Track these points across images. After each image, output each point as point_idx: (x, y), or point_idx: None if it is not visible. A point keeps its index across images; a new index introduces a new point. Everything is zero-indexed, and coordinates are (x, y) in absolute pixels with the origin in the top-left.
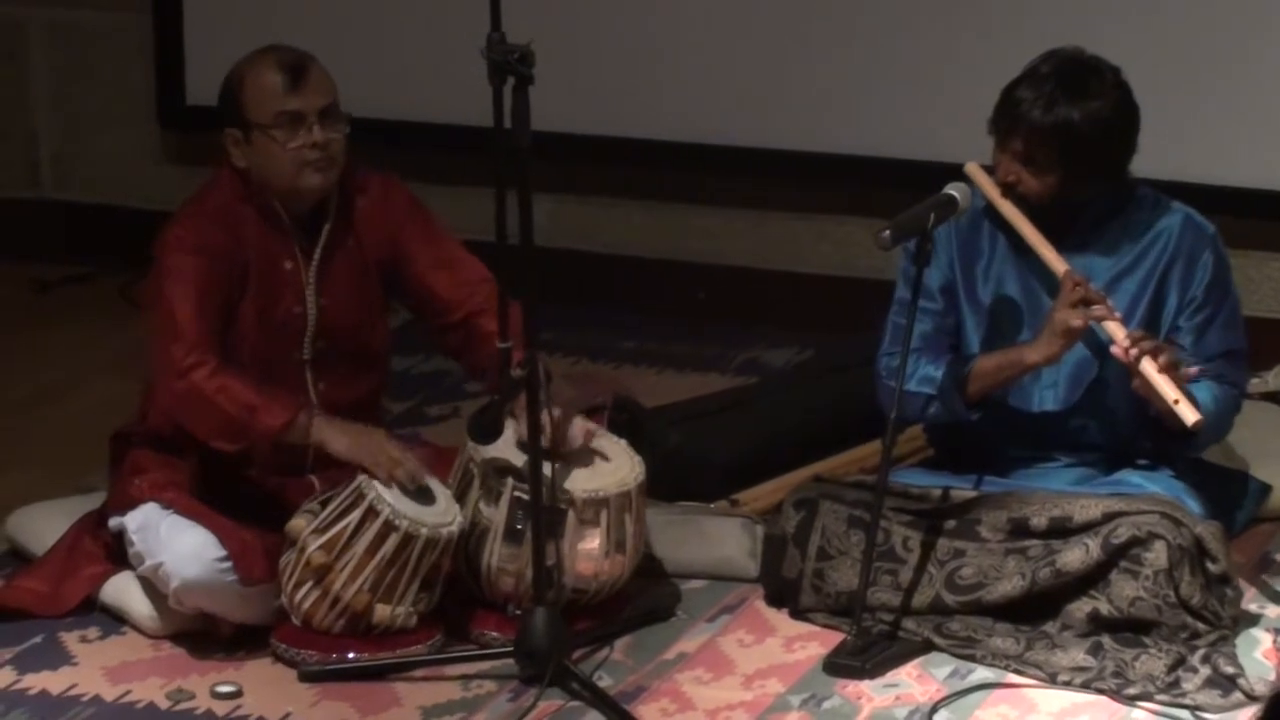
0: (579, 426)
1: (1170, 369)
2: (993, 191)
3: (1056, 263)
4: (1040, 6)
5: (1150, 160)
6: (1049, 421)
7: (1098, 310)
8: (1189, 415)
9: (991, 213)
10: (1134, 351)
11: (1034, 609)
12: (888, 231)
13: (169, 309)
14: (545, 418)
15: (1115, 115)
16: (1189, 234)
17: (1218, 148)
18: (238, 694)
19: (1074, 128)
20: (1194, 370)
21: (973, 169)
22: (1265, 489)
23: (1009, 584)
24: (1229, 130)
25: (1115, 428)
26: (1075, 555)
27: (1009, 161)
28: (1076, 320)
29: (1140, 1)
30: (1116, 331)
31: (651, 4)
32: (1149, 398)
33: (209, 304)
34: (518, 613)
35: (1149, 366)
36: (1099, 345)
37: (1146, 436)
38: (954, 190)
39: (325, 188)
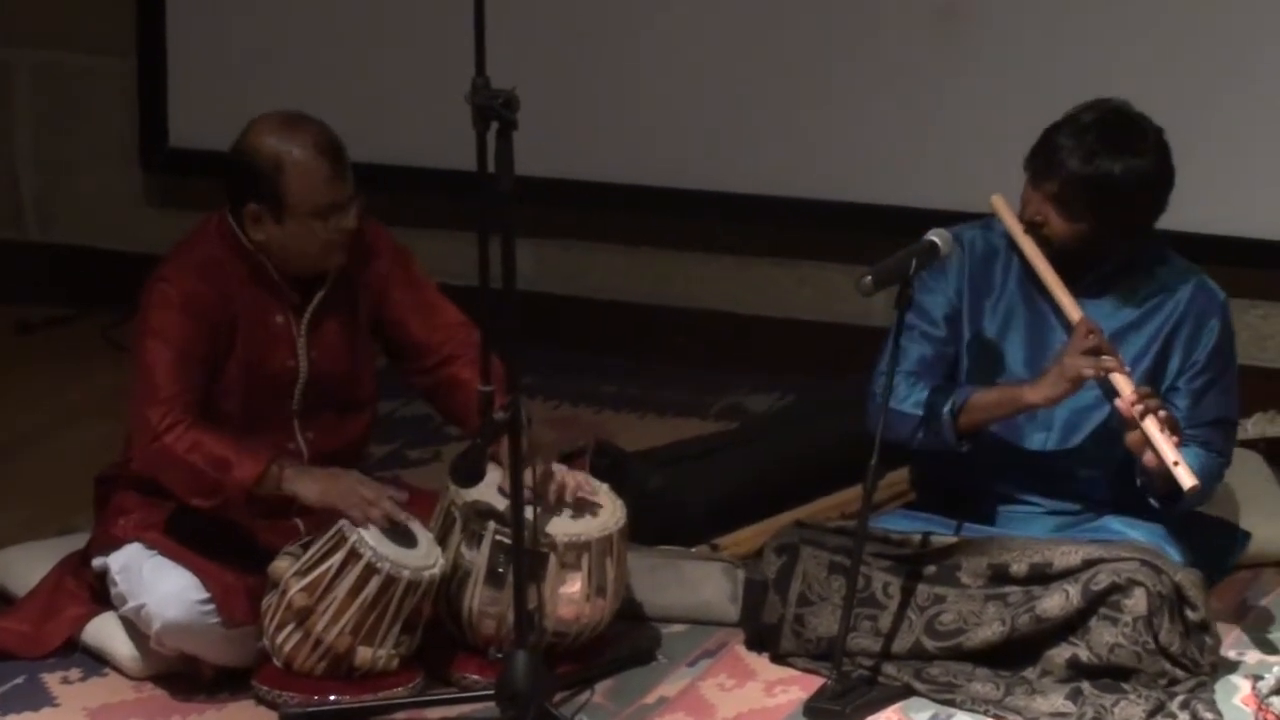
0: (569, 477)
1: (1173, 431)
2: (1016, 227)
3: (1071, 308)
4: (1026, 57)
5: None
6: (1038, 462)
7: (1109, 362)
8: (1186, 479)
9: (1009, 245)
10: (1139, 408)
11: (1014, 655)
12: (869, 277)
13: (148, 369)
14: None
15: (1154, 174)
16: (1200, 298)
17: (1201, 196)
18: None
19: (1113, 181)
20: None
21: (999, 201)
22: (1245, 537)
23: (989, 630)
24: (1211, 178)
25: (1102, 478)
26: (1055, 601)
27: (1040, 201)
28: (1089, 370)
29: (1127, 47)
30: (1124, 386)
31: (635, 50)
32: (1141, 455)
33: (190, 363)
34: (499, 656)
35: (1152, 426)
36: (1097, 395)
37: (1130, 492)
38: (935, 237)
39: (342, 263)
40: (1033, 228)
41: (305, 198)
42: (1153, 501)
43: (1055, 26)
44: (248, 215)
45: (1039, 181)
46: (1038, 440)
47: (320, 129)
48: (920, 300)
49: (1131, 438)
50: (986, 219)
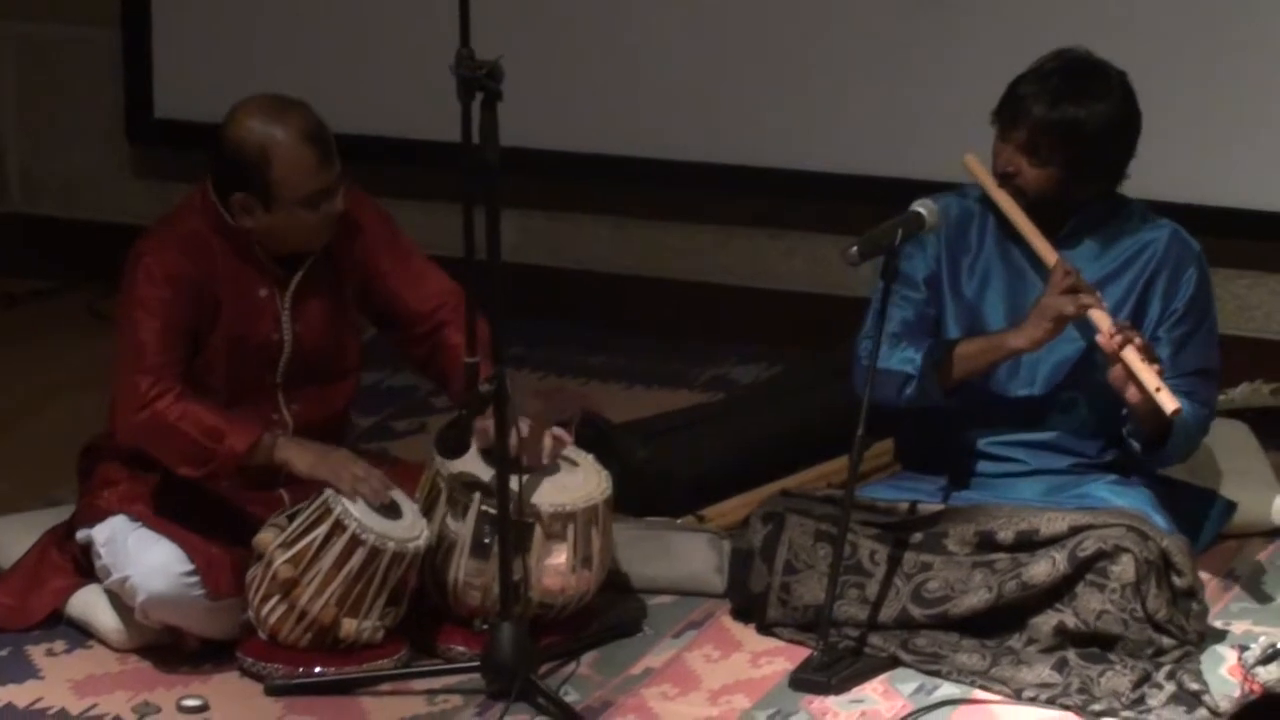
0: (548, 436)
1: (1152, 360)
2: (990, 182)
3: (1048, 252)
4: (1012, 28)
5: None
6: (1024, 409)
7: (1086, 299)
8: (1169, 403)
9: (984, 207)
10: (1119, 339)
11: (1000, 622)
12: (855, 248)
13: (136, 341)
14: (513, 433)
15: (1119, 116)
16: (1175, 247)
17: (1186, 165)
18: (204, 708)
19: (1078, 124)
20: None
21: (971, 160)
22: (1231, 506)
23: (975, 597)
24: (1195, 149)
25: (1088, 431)
26: (1042, 568)
27: (1010, 152)
28: (1069, 307)
29: (1115, 18)
30: (1103, 321)
31: (620, 21)
32: (1126, 391)
33: (176, 335)
34: (484, 627)
35: (1132, 355)
36: (1078, 346)
37: (1115, 447)
38: (921, 207)
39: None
40: (1006, 179)
41: (294, 187)
42: (1137, 450)
43: None
44: (236, 204)
45: (1008, 132)
46: (1025, 388)
47: (304, 114)
48: (900, 266)
49: (1114, 373)
50: (962, 187)
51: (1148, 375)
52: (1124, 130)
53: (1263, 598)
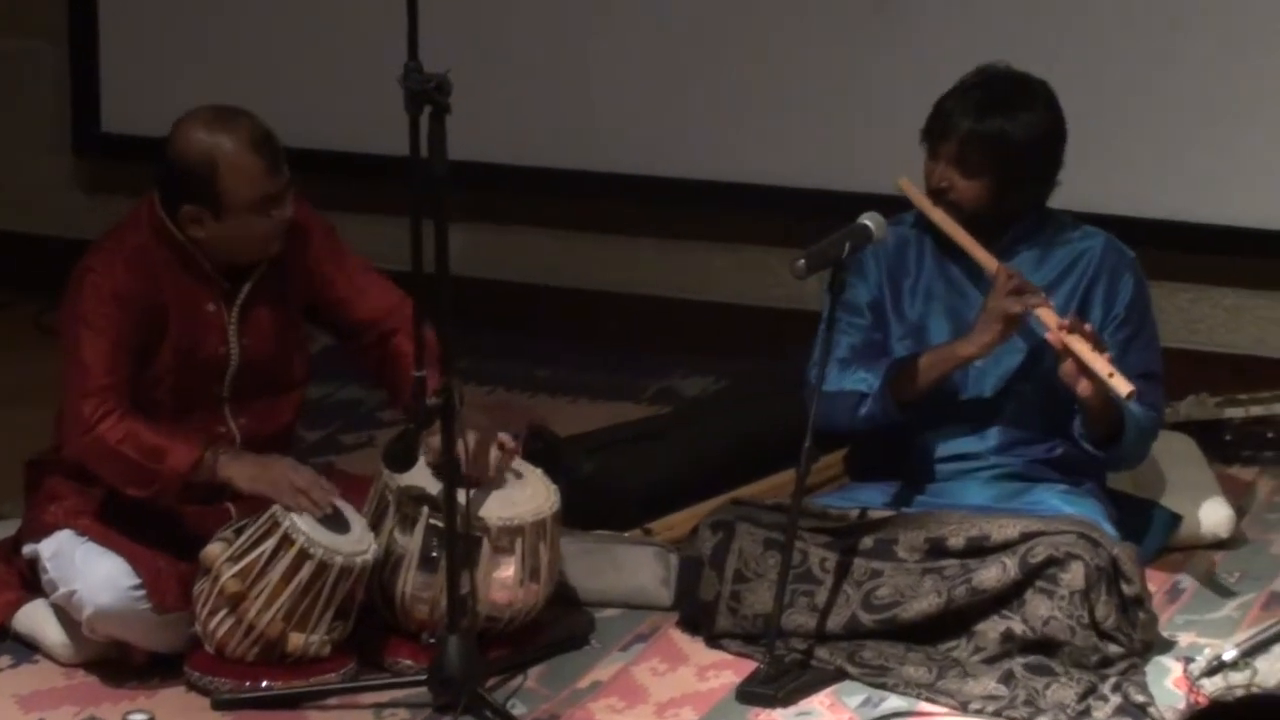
0: (495, 451)
1: (1101, 349)
2: (924, 201)
3: (988, 261)
4: (957, 43)
5: (1058, 191)
6: (973, 414)
7: (1032, 299)
8: (1123, 387)
9: (919, 231)
10: (1067, 330)
11: (948, 628)
12: (802, 261)
13: (80, 359)
14: (460, 446)
15: (1045, 124)
16: (1111, 255)
17: (1126, 180)
18: None
19: (1005, 134)
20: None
21: (905, 182)
22: (1176, 519)
23: (925, 602)
24: (1138, 163)
25: (1036, 426)
26: (992, 573)
27: (942, 168)
28: (1015, 307)
29: (1056, 34)
30: (1050, 318)
31: (566, 35)
32: (1078, 385)
33: (121, 354)
34: (432, 641)
35: (1082, 345)
36: (1026, 347)
37: (1063, 443)
38: (868, 220)
39: (279, 250)
40: (939, 196)
41: (243, 195)
42: (1092, 452)
43: (983, 14)
44: (186, 216)
45: (937, 149)
46: (971, 399)
47: (250, 122)
48: (844, 296)
49: (1065, 368)
50: (895, 215)
51: (1099, 363)
52: (1051, 138)
53: (1207, 609)
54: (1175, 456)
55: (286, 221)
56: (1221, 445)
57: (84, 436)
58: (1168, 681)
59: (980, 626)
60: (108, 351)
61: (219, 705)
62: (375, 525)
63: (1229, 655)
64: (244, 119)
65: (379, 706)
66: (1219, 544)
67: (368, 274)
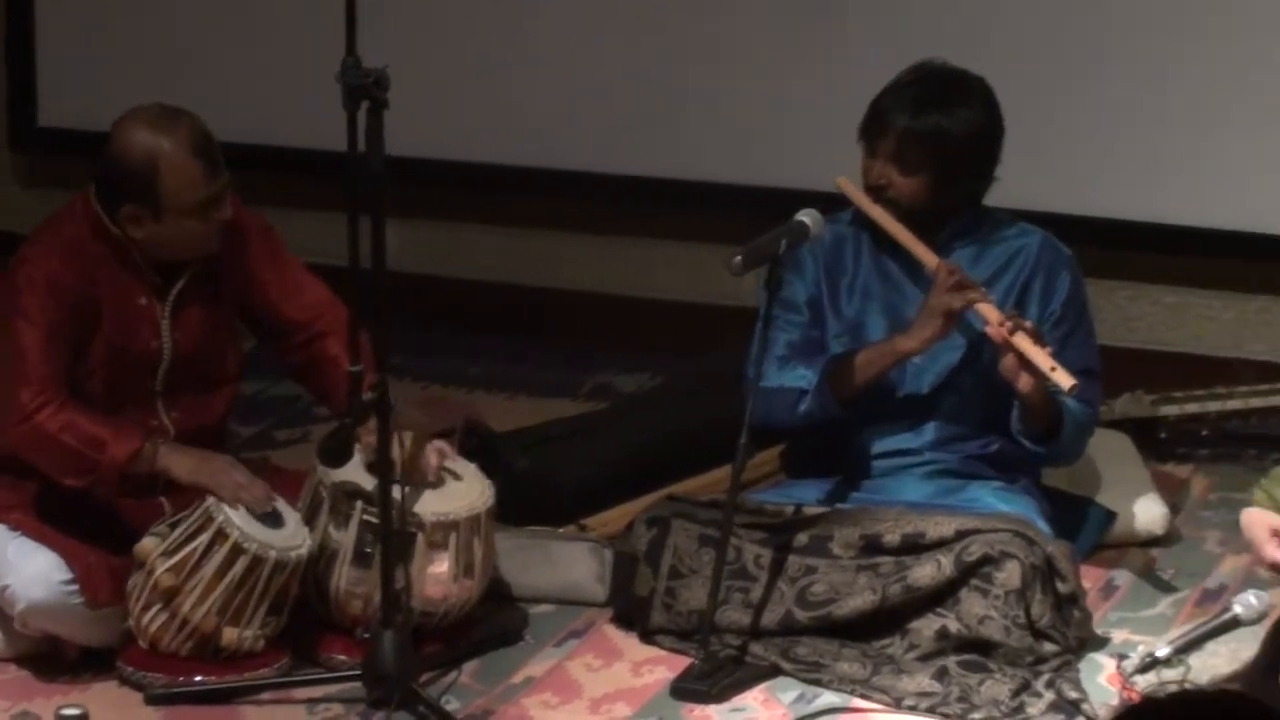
0: (432, 449)
1: (1041, 344)
2: (863, 199)
3: (928, 256)
4: (892, 39)
5: (999, 189)
6: (910, 410)
7: (972, 294)
8: (1065, 380)
9: (856, 229)
10: (1008, 325)
11: (883, 625)
12: (739, 258)
13: (18, 350)
14: (395, 442)
15: (982, 120)
16: (1048, 252)
17: (1066, 178)
18: (83, 717)
19: (943, 130)
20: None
21: (843, 181)
22: (1110, 516)
23: (860, 599)
24: (1077, 161)
25: (973, 422)
26: (927, 571)
27: (880, 165)
28: (955, 302)
29: (993, 32)
30: (990, 313)
31: (502, 30)
32: (1018, 380)
33: (57, 344)
34: (365, 636)
35: (1023, 339)
36: (964, 344)
37: (999, 439)
38: (805, 217)
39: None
40: (878, 193)
41: (182, 197)
42: (1029, 446)
43: (920, 10)
44: (125, 216)
45: (875, 146)
46: (908, 395)
47: (192, 125)
48: (781, 293)
49: (1006, 364)
50: (832, 214)
51: (1041, 358)
52: (988, 135)
53: (1141, 606)
54: (1111, 454)
55: (224, 222)
56: (1157, 443)
57: (21, 425)
58: (1101, 678)
59: (915, 624)
60: (42, 341)
61: (152, 700)
62: (310, 520)
63: (1162, 652)
64: (185, 120)
65: (313, 702)
66: (1153, 541)
67: (302, 274)
